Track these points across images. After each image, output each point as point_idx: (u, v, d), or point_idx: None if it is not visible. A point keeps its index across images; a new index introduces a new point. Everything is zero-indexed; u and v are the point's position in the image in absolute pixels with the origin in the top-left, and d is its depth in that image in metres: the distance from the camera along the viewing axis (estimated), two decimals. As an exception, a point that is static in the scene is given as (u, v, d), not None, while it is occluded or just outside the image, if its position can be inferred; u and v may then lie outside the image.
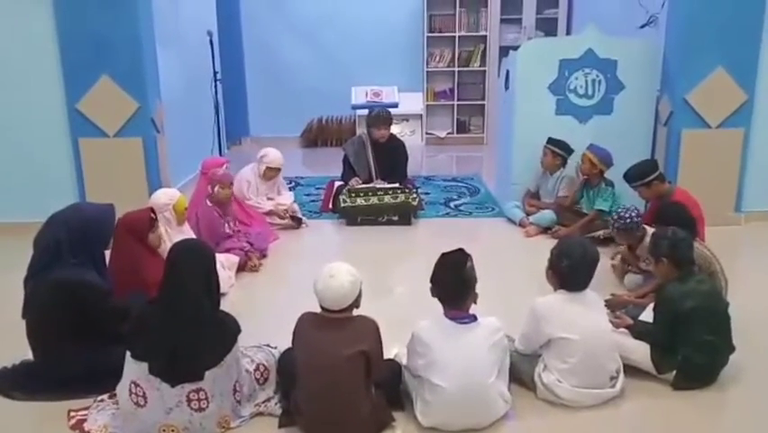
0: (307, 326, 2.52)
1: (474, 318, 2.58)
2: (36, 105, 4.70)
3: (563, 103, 5.13)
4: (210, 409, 2.45)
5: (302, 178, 6.64)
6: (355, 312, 2.56)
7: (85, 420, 2.60)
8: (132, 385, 2.43)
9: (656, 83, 5.05)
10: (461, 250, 2.60)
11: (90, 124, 4.66)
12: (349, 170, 5.53)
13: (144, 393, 2.41)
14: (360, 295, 2.54)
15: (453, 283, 2.56)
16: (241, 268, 4.17)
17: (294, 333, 2.55)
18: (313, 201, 5.81)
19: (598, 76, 5.06)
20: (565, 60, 5.05)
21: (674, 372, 2.84)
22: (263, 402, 2.68)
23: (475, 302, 2.60)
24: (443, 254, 2.62)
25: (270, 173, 5.18)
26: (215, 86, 5.60)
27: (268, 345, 2.88)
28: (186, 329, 2.40)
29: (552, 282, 2.85)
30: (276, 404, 2.67)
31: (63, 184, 4.79)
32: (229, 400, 2.54)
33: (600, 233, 4.55)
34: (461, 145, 8.36)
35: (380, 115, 5.53)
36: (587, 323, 2.73)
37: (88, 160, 4.74)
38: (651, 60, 5.02)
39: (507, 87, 5.40)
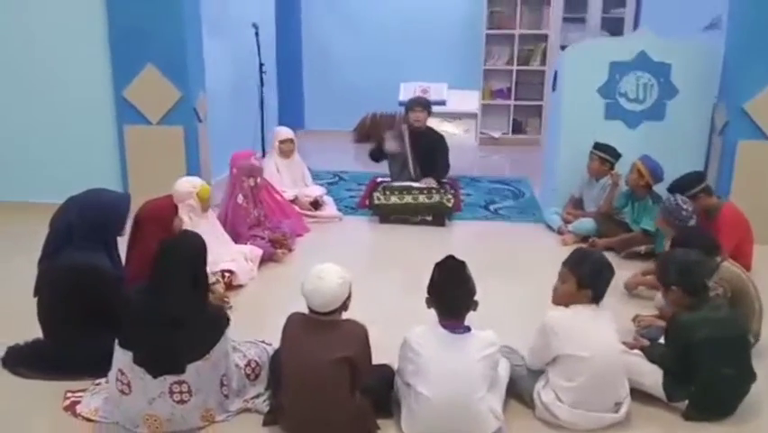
0: (294, 326, 2.49)
1: (468, 330, 2.49)
2: (85, 91, 4.90)
3: (613, 107, 4.90)
4: (192, 403, 2.45)
5: (346, 173, 6.63)
6: (344, 315, 2.52)
7: (79, 402, 2.65)
8: (119, 373, 2.46)
9: (714, 90, 4.73)
10: (452, 257, 2.51)
11: (135, 111, 4.81)
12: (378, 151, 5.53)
13: (129, 382, 2.43)
14: (348, 298, 2.49)
15: (457, 294, 2.48)
16: (265, 260, 4.18)
17: (282, 332, 2.53)
18: (352, 197, 5.79)
19: (650, 80, 4.79)
20: (616, 63, 4.81)
21: (686, 401, 2.65)
22: (252, 399, 2.66)
23: (474, 309, 2.50)
24: (439, 264, 2.54)
25: (285, 147, 5.27)
26: (261, 79, 5.65)
27: (263, 342, 2.86)
28: (168, 321, 2.40)
29: (570, 297, 2.65)
30: (264, 402, 2.65)
31: (107, 169, 4.97)
32: (215, 394, 2.53)
33: (642, 248, 4.33)
34: (515, 146, 8.13)
35: (417, 98, 5.48)
36: (599, 342, 2.56)
37: (132, 146, 4.90)
38: (709, 65, 4.71)
39: (554, 89, 5.21)
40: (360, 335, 2.45)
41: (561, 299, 2.68)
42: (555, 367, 2.62)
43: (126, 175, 4.94)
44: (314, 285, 2.41)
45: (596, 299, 2.60)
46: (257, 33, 5.52)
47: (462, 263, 2.51)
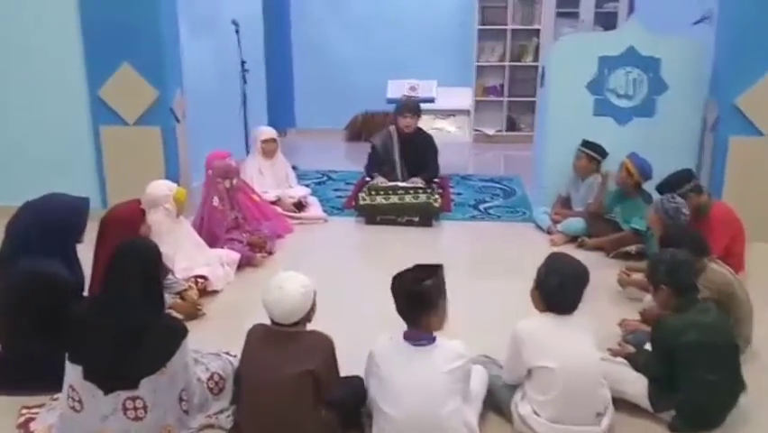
0: (255, 339, 2.39)
1: (432, 340, 2.33)
2: (60, 91, 4.76)
3: (602, 103, 4.77)
4: (149, 420, 2.33)
5: (334, 172, 6.49)
6: (309, 327, 2.41)
7: (33, 419, 2.55)
8: (70, 389, 2.34)
9: (705, 85, 4.60)
10: (418, 266, 2.36)
11: (111, 111, 4.68)
12: (374, 164, 5.37)
13: (80, 399, 2.32)
14: (312, 308, 2.37)
15: (404, 301, 2.33)
16: (243, 265, 4.06)
17: (244, 345, 2.42)
18: (339, 197, 5.66)
19: (639, 75, 4.66)
20: (605, 57, 4.68)
21: (673, 411, 2.53)
22: (215, 414, 2.55)
23: (440, 325, 2.35)
24: (394, 277, 2.38)
25: (267, 146, 5.12)
26: (243, 77, 5.53)
27: (227, 353, 2.73)
28: (119, 332, 2.28)
29: (537, 303, 2.57)
30: (228, 417, 2.54)
31: (84, 171, 4.85)
32: (173, 409, 2.41)
33: (633, 247, 4.20)
34: (510, 143, 7.96)
35: (406, 103, 5.35)
36: (571, 351, 2.44)
37: (109, 147, 4.77)
38: (699, 60, 4.57)
39: (542, 84, 5.08)
40: (324, 346, 2.33)
41: (533, 303, 2.56)
42: (530, 380, 2.50)
43: (103, 177, 4.82)
44: (274, 295, 2.29)
45: (554, 308, 2.47)
46: (237, 31, 5.39)
47: (424, 273, 2.35)
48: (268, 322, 2.40)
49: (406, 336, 2.33)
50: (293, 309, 2.29)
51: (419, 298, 2.29)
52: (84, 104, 4.74)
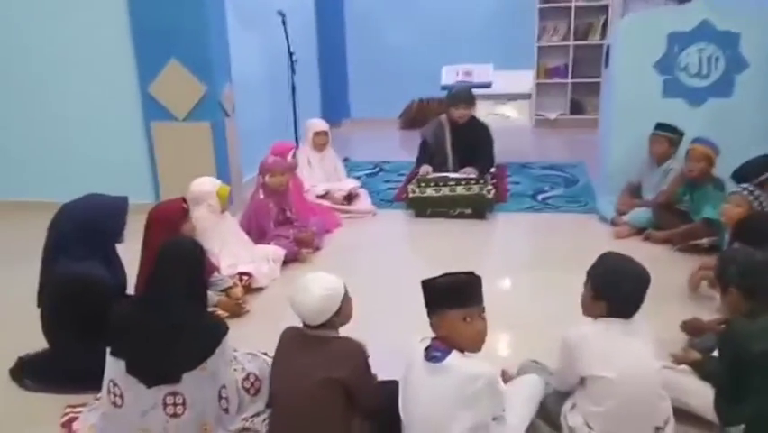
0: (286, 342, 2.28)
1: (444, 356, 2.05)
2: (111, 88, 4.82)
3: (672, 83, 4.42)
4: (186, 417, 2.26)
5: (387, 162, 6.35)
6: (342, 331, 2.28)
7: (76, 418, 2.55)
8: (111, 384, 2.32)
9: (791, 60, 4.18)
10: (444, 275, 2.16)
11: (161, 107, 4.69)
12: (423, 156, 5.17)
13: (122, 393, 2.29)
14: (341, 310, 2.23)
15: (428, 295, 2.14)
16: (289, 261, 3.98)
17: (276, 347, 2.32)
18: (390, 189, 5.51)
19: (715, 51, 4.28)
20: (675, 34, 4.32)
21: (743, 426, 2.26)
22: (251, 417, 2.46)
23: (475, 342, 2.09)
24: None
25: (318, 139, 5.02)
26: (292, 68, 5.44)
27: (265, 354, 2.65)
28: (163, 329, 2.24)
29: (590, 309, 2.34)
30: (264, 421, 2.44)
31: (138, 167, 4.92)
32: (213, 408, 2.34)
33: (705, 240, 3.87)
34: (574, 128, 7.61)
35: (459, 93, 5.10)
36: (629, 359, 2.20)
37: (160, 143, 4.80)
38: (784, 33, 4.16)
39: (606, 65, 4.76)
40: (353, 354, 2.20)
41: (584, 310, 2.33)
42: (582, 389, 2.28)
43: (156, 173, 4.86)
44: (299, 297, 2.20)
45: (615, 313, 2.22)
46: (284, 21, 5.30)
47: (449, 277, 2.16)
48: (290, 326, 2.33)
49: (426, 348, 2.11)
50: (314, 311, 2.19)
51: (443, 290, 2.09)
52: (136, 100, 4.77)
